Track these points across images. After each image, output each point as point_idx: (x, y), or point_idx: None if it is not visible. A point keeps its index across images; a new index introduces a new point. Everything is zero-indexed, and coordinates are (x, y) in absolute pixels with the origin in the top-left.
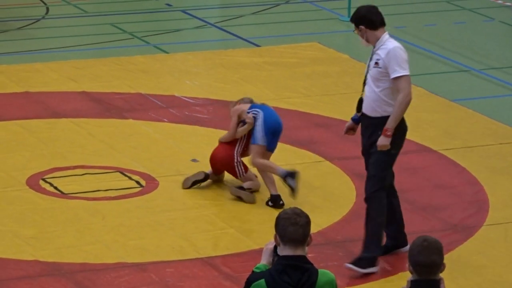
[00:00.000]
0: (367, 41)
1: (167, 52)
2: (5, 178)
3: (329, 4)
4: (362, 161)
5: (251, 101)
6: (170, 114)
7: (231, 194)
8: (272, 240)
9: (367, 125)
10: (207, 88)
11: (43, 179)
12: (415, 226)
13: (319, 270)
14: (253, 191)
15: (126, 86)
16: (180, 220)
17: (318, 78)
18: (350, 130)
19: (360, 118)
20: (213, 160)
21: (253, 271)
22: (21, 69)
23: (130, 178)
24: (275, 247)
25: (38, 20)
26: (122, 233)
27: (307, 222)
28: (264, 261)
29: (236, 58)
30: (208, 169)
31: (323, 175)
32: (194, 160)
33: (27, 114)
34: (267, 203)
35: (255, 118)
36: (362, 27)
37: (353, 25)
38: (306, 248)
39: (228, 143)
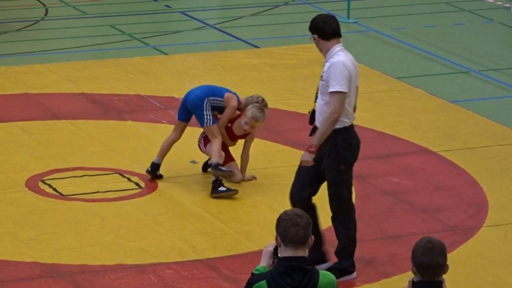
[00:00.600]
0: (320, 50)
1: (166, 54)
2: (4, 179)
3: (328, 5)
4: (361, 162)
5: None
6: (170, 116)
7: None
8: (272, 242)
9: None
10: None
11: (42, 181)
12: (414, 228)
13: (320, 271)
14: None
15: (125, 87)
16: (179, 222)
17: (317, 80)
18: None
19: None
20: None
21: (252, 273)
22: (20, 71)
23: (129, 179)
24: (275, 249)
25: (37, 21)
26: (121, 235)
27: (308, 223)
28: (264, 263)
29: (235, 59)
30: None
31: None
32: (193, 162)
33: (26, 115)
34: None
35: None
36: (315, 36)
37: (352, 27)
38: (307, 249)
39: None
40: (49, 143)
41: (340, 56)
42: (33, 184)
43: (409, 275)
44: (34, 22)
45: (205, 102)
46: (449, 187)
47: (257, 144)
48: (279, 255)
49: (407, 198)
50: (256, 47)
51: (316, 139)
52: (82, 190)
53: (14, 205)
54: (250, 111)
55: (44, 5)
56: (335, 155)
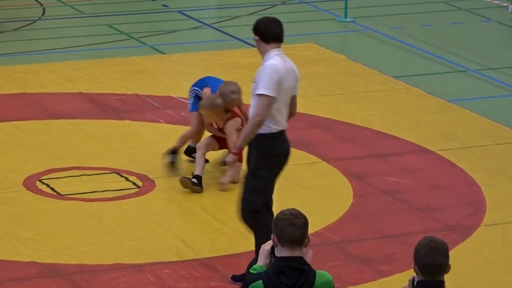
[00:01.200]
0: (260, 52)
1: (163, 53)
2: (1, 179)
3: (326, 4)
4: (359, 162)
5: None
6: (167, 115)
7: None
8: (269, 241)
9: None
10: None
11: (40, 180)
12: (412, 227)
13: (316, 271)
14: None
15: (123, 87)
16: (177, 221)
17: (315, 79)
18: None
19: None
20: None
21: (249, 272)
22: (17, 70)
23: (127, 179)
24: (272, 248)
25: (34, 21)
26: (119, 234)
27: (305, 223)
28: (261, 262)
29: (232, 58)
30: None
31: (320, 176)
32: (191, 161)
33: (24, 115)
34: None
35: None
36: (256, 37)
37: (349, 26)
38: (304, 249)
39: None
40: (46, 142)
41: (274, 59)
42: (30, 183)
43: (407, 274)
44: (32, 21)
45: (191, 90)
46: (447, 186)
47: None
48: (276, 253)
49: (405, 197)
50: (254, 46)
51: (240, 141)
52: (80, 189)
53: (12, 205)
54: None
55: (41, 5)
56: (256, 160)
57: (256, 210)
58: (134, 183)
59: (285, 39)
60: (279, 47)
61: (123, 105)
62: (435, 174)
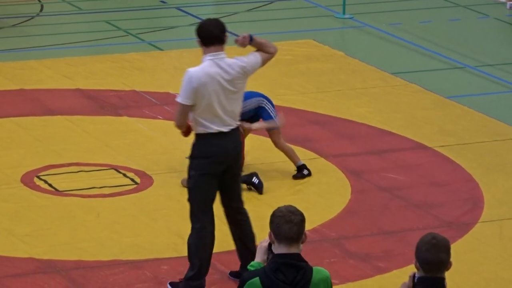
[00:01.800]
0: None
1: (161, 49)
2: (0, 176)
3: (324, 1)
4: (357, 158)
5: None
6: (165, 111)
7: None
8: (267, 238)
9: None
10: None
11: (38, 177)
12: (409, 223)
13: (313, 267)
14: None
15: (121, 83)
16: (175, 218)
17: (313, 75)
18: None
19: None
20: None
21: (247, 269)
22: (15, 67)
23: (124, 175)
24: (270, 245)
25: (32, 17)
26: (117, 231)
27: (301, 220)
28: (259, 259)
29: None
30: None
31: (318, 172)
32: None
33: (22, 111)
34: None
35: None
36: (198, 40)
37: (347, 23)
38: (301, 245)
39: None
40: (44, 138)
41: (197, 67)
42: (28, 180)
43: (405, 271)
44: (30, 17)
45: None
46: (445, 183)
47: (252, 140)
48: (274, 250)
49: (402, 193)
50: None
51: None
52: (78, 186)
53: (10, 201)
54: None
55: (39, 1)
56: (189, 160)
57: (194, 211)
58: (132, 180)
59: (282, 35)
60: (219, 50)
61: (121, 101)
62: (433, 171)
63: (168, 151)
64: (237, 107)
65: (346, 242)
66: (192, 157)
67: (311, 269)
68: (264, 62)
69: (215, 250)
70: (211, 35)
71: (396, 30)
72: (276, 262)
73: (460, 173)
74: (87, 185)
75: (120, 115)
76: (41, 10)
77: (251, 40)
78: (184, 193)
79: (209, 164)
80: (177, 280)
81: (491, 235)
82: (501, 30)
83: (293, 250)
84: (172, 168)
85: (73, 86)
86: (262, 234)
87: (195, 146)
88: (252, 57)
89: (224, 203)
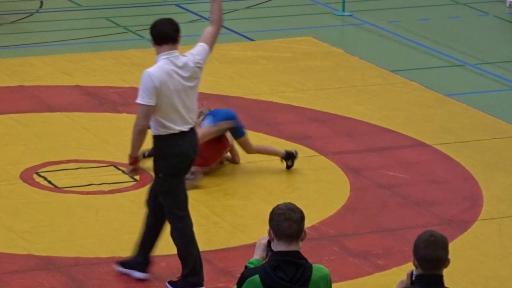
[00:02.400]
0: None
1: None
2: None
3: None
4: (356, 155)
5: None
6: None
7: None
8: (266, 235)
9: None
10: (201, 82)
11: (37, 173)
12: (409, 221)
13: (313, 265)
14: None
15: (120, 80)
16: None
17: (312, 73)
18: None
19: None
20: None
21: (246, 266)
22: (15, 63)
23: (124, 172)
24: (269, 242)
25: (32, 14)
26: (116, 227)
27: (301, 217)
28: (258, 256)
29: (230, 52)
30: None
31: (317, 170)
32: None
33: (21, 108)
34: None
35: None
36: (151, 38)
37: (347, 20)
38: (300, 243)
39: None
40: (43, 135)
41: (155, 66)
42: (27, 176)
43: (404, 268)
44: (29, 14)
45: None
46: (444, 181)
47: (252, 137)
48: (273, 247)
49: (402, 191)
50: (251, 40)
51: (131, 150)
52: (77, 182)
53: (9, 198)
54: None
55: None
56: (154, 163)
57: (170, 211)
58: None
59: (282, 32)
60: (173, 49)
61: (120, 98)
62: (432, 168)
63: None
64: (196, 103)
65: (345, 239)
66: (156, 160)
67: (310, 266)
68: (211, 48)
69: (214, 247)
70: (165, 34)
71: (396, 27)
72: (276, 260)
73: (459, 171)
74: (86, 182)
75: (120, 112)
76: (40, 7)
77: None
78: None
79: (173, 164)
80: (175, 279)
81: (490, 233)
82: (501, 28)
83: (292, 247)
84: None
85: (73, 82)
86: (261, 232)
87: (158, 148)
88: (200, 49)
89: (152, 200)
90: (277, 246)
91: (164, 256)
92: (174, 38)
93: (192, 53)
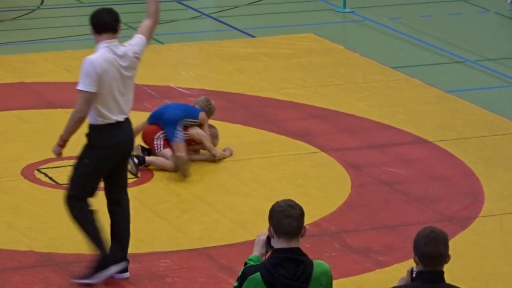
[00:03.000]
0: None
1: (162, 43)
2: (0, 168)
3: None
4: (357, 152)
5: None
6: None
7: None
8: (265, 231)
9: None
10: (202, 79)
11: (38, 170)
12: (410, 218)
13: (314, 261)
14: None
15: None
16: (175, 211)
17: (313, 69)
18: None
19: None
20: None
21: (245, 263)
22: (16, 60)
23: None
24: (268, 238)
25: (33, 10)
26: None
27: (301, 214)
28: (257, 253)
29: (231, 49)
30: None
31: (318, 166)
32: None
33: (22, 104)
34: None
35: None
36: (90, 28)
37: (348, 17)
38: (300, 239)
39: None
40: (45, 132)
41: (96, 53)
42: (28, 173)
43: (405, 265)
44: (30, 11)
45: (181, 121)
46: (445, 177)
47: (253, 134)
48: (272, 244)
49: (403, 188)
50: (252, 36)
51: (64, 133)
52: None
53: (10, 194)
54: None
55: None
56: (83, 148)
57: (72, 196)
58: (132, 173)
59: (283, 29)
60: (112, 38)
61: None
62: (433, 165)
63: None
64: (132, 93)
65: (346, 236)
66: (88, 148)
67: (311, 263)
68: (148, 41)
69: (215, 243)
70: (104, 23)
71: (397, 24)
72: (277, 257)
73: (460, 167)
74: None
75: None
76: (41, 3)
77: None
78: (185, 187)
79: (106, 155)
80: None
81: (491, 230)
82: (502, 25)
83: (293, 244)
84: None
85: (74, 79)
86: (262, 228)
87: (93, 137)
88: (138, 40)
89: (106, 194)
90: (278, 243)
91: (166, 253)
92: (114, 28)
93: (131, 43)
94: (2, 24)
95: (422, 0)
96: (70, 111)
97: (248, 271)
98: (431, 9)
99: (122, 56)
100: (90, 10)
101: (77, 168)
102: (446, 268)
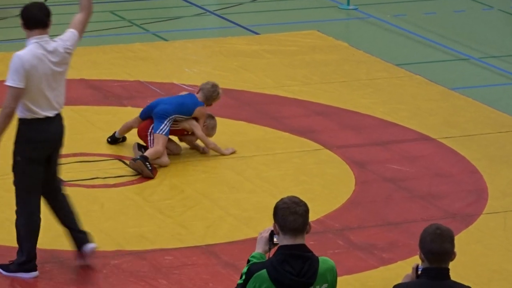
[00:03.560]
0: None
1: (166, 40)
2: (3, 165)
3: None
4: (361, 149)
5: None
6: None
7: (131, 167)
8: (267, 228)
9: None
10: (206, 76)
11: None
12: (413, 215)
13: (319, 257)
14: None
15: (125, 73)
16: (179, 208)
17: (317, 66)
18: None
19: None
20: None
21: (249, 260)
22: None
23: (127, 165)
24: (270, 235)
25: None
26: (121, 221)
27: (306, 210)
28: (260, 250)
29: (235, 45)
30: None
31: (322, 163)
32: (192, 148)
33: None
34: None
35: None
36: (21, 22)
37: (352, 14)
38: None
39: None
40: None
41: (25, 49)
42: None
43: (409, 262)
44: None
45: (170, 117)
46: (449, 174)
47: (257, 131)
48: (275, 241)
49: (406, 185)
50: (256, 33)
51: None
52: (82, 176)
53: (12, 191)
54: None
55: None
56: (15, 146)
57: (19, 193)
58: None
59: (287, 26)
60: (43, 33)
61: (125, 91)
62: (437, 162)
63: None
64: (63, 89)
65: (350, 233)
66: (18, 143)
67: (317, 259)
68: (81, 35)
69: (219, 241)
70: (35, 19)
71: (401, 21)
72: (283, 254)
73: (464, 164)
74: (91, 176)
75: (125, 105)
76: (45, 0)
77: None
78: (189, 184)
79: (36, 150)
80: (7, 262)
81: (495, 227)
82: (506, 22)
83: (298, 241)
84: (176, 158)
85: (78, 76)
86: (266, 225)
87: (21, 132)
88: (70, 35)
89: (43, 188)
90: (283, 240)
91: (170, 250)
92: (45, 23)
93: (62, 38)
94: (5, 21)
95: None
96: (74, 108)
97: (254, 268)
98: (435, 6)
99: (52, 52)
100: (95, 7)
101: (14, 167)
102: (449, 265)
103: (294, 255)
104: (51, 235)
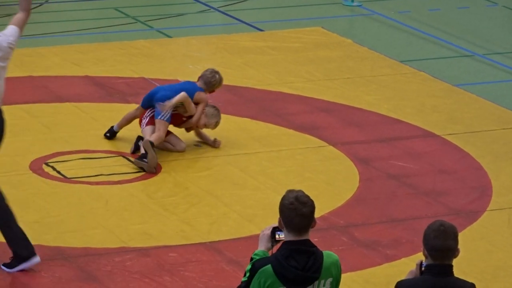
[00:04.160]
0: None
1: (170, 37)
2: (8, 162)
3: None
4: (365, 146)
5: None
6: None
7: (134, 164)
8: (269, 226)
9: None
10: None
11: (46, 164)
12: (418, 211)
13: (323, 252)
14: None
15: (129, 70)
16: (183, 205)
17: (321, 63)
18: None
19: None
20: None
21: (252, 258)
22: (24, 54)
23: (133, 162)
24: (273, 233)
25: (41, 4)
26: (125, 218)
27: (312, 210)
28: (262, 247)
29: (239, 42)
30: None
31: (326, 160)
32: (197, 145)
33: (30, 98)
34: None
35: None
36: None
37: (356, 10)
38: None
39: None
40: (53, 126)
41: None
42: (37, 167)
43: (413, 259)
44: (38, 4)
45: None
46: (453, 171)
47: (260, 127)
48: (277, 238)
49: (411, 181)
50: (260, 30)
51: None
52: (86, 173)
53: (18, 188)
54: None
55: None
56: None
57: None
58: (140, 166)
59: (291, 23)
60: None
61: (129, 88)
62: (441, 159)
63: None
64: (4, 83)
65: (355, 229)
66: None
67: (321, 254)
68: (21, 32)
69: (223, 237)
70: None
71: (405, 18)
72: (288, 249)
73: (468, 161)
74: (95, 172)
75: (129, 102)
76: None
77: None
78: (193, 181)
79: None
80: (8, 260)
81: (499, 223)
82: (510, 18)
83: (303, 236)
84: (181, 155)
85: (82, 73)
86: (270, 222)
87: None
88: (13, 31)
89: None
90: (287, 236)
91: (174, 246)
92: None
93: (5, 34)
94: (10, 18)
95: None
96: (78, 104)
97: (258, 263)
98: (439, 2)
99: None
100: (99, 4)
101: None
102: (454, 261)
103: (299, 250)
104: (56, 231)
